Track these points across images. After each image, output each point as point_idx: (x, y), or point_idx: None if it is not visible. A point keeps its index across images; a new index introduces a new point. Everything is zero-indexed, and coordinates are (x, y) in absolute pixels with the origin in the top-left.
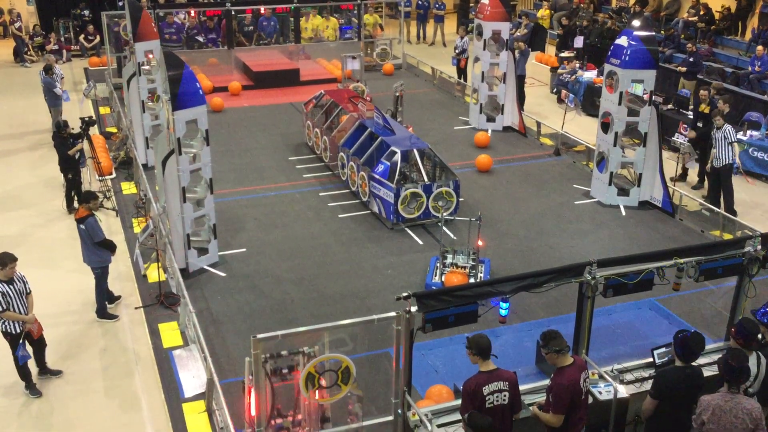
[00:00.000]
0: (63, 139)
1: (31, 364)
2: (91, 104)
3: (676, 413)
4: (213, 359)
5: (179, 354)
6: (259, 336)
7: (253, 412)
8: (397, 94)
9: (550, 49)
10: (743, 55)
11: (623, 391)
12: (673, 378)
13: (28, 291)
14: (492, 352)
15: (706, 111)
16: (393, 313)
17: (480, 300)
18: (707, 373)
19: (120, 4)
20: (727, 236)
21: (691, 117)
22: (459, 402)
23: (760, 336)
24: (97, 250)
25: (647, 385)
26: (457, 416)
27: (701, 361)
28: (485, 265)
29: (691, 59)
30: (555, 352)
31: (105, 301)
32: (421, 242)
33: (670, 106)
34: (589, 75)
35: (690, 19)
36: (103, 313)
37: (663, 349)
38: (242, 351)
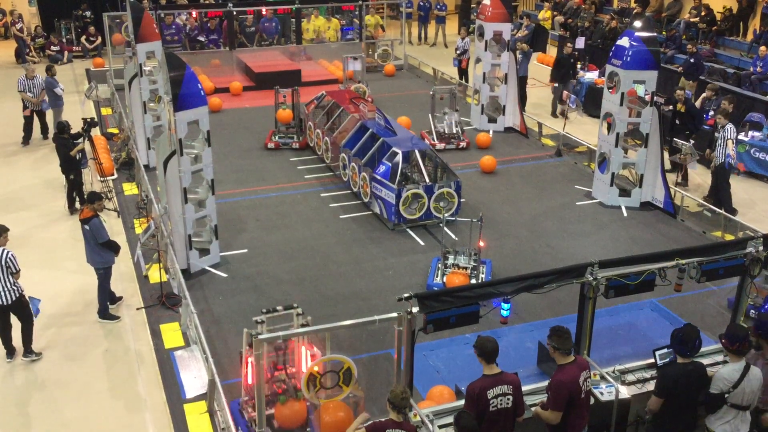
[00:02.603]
0: (64, 140)
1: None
2: (93, 105)
3: (681, 410)
4: (214, 360)
5: (181, 355)
6: (260, 336)
7: (250, 381)
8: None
9: (552, 50)
10: (745, 55)
11: (625, 392)
12: (675, 374)
13: None
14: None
15: (682, 110)
16: (394, 314)
17: (481, 301)
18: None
19: (123, 4)
20: (729, 237)
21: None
22: (460, 403)
23: (753, 339)
24: (101, 250)
25: (649, 386)
26: None
27: (704, 361)
28: (486, 266)
29: (691, 60)
30: (554, 348)
31: (107, 301)
32: (422, 243)
33: (671, 107)
34: (591, 76)
35: (691, 20)
36: (104, 314)
37: (664, 350)
38: None
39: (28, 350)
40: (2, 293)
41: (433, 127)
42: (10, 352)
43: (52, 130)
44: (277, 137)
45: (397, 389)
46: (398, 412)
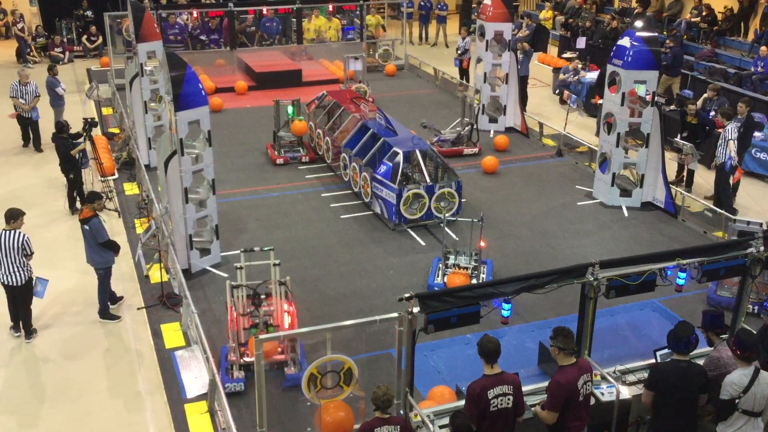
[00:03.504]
0: (63, 140)
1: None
2: (94, 105)
3: (675, 409)
4: (215, 360)
5: (181, 354)
6: (261, 336)
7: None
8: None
9: (553, 50)
10: (746, 56)
11: (625, 392)
12: (666, 369)
13: None
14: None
15: (694, 122)
16: (395, 314)
17: (482, 301)
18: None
19: (124, 4)
20: None
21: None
22: (461, 403)
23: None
24: (101, 250)
25: None
26: None
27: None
28: (487, 266)
29: (669, 54)
30: (557, 348)
31: (107, 301)
32: (423, 243)
33: (672, 107)
34: (592, 76)
35: (692, 19)
36: (105, 314)
37: (665, 350)
38: None
39: (28, 332)
40: (16, 274)
41: (446, 130)
42: (16, 326)
43: (51, 131)
44: (283, 151)
45: (379, 391)
46: (382, 411)
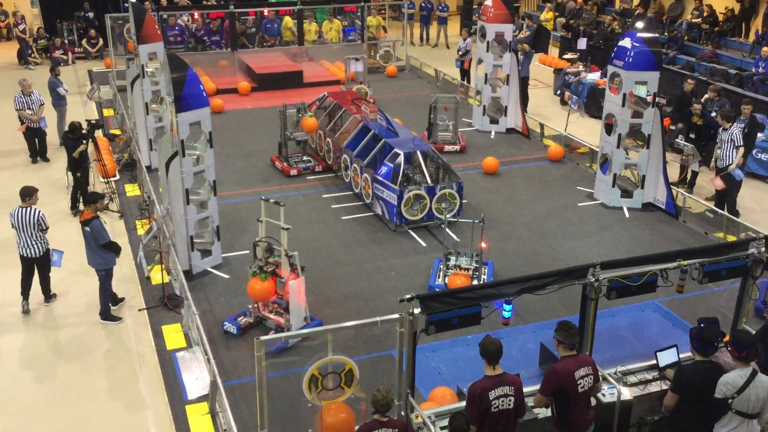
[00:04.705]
0: (75, 140)
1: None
2: (95, 106)
3: (697, 410)
4: (216, 361)
5: (182, 356)
6: (262, 338)
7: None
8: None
9: (554, 51)
10: (747, 56)
11: (627, 394)
12: (692, 371)
13: None
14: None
15: (700, 123)
16: (396, 315)
17: (483, 302)
18: None
19: (125, 5)
20: (731, 238)
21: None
22: (462, 404)
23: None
24: (102, 252)
25: (651, 388)
26: None
27: None
28: (488, 267)
29: None
30: (557, 340)
31: (109, 303)
32: (424, 244)
33: (682, 123)
34: (593, 77)
35: (693, 20)
36: (106, 315)
37: (667, 351)
38: (245, 353)
39: (47, 297)
40: (34, 247)
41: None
42: (26, 298)
43: (54, 135)
44: (295, 162)
45: (379, 395)
46: (382, 414)
